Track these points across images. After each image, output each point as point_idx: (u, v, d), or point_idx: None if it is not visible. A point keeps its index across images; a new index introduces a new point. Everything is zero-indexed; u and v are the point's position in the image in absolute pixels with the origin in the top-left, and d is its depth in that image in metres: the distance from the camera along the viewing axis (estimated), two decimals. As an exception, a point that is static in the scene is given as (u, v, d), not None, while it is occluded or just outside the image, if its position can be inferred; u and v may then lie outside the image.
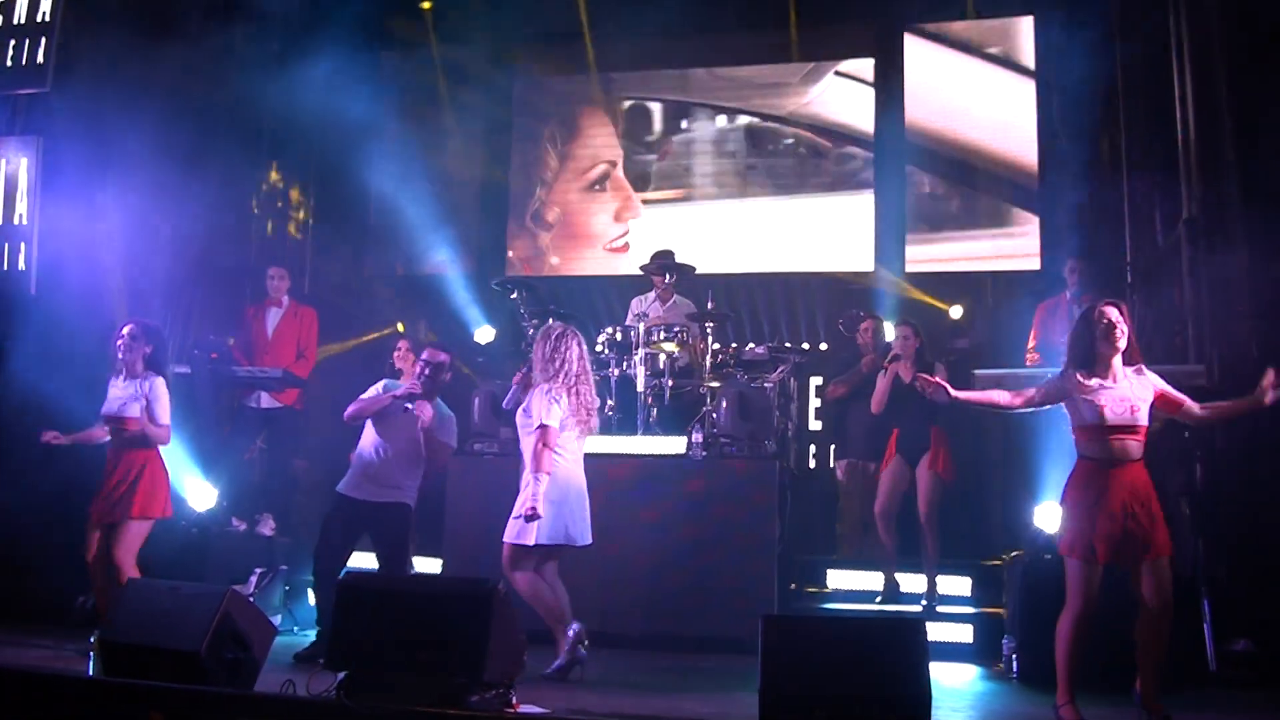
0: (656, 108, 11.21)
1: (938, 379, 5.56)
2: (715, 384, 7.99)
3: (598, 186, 11.21)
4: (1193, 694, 6.30)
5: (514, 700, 5.02)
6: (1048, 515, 6.79)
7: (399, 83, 11.31)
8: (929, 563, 7.69)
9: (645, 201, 11.06)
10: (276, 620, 7.68)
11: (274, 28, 9.92)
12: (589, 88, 11.33)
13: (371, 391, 6.91)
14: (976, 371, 7.63)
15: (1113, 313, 5.31)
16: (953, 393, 5.46)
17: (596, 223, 11.18)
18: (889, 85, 10.58)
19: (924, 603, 7.63)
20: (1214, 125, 8.00)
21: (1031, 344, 8.16)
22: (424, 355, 7.00)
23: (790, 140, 10.81)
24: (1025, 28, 10.39)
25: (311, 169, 10.92)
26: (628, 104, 11.30)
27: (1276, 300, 7.54)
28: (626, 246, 10.90)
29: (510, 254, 11.24)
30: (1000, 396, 5.54)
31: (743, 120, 10.98)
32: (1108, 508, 5.20)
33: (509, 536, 6.16)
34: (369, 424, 6.90)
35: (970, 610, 7.59)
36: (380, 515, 6.80)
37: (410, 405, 6.82)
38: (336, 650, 4.98)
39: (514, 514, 6.15)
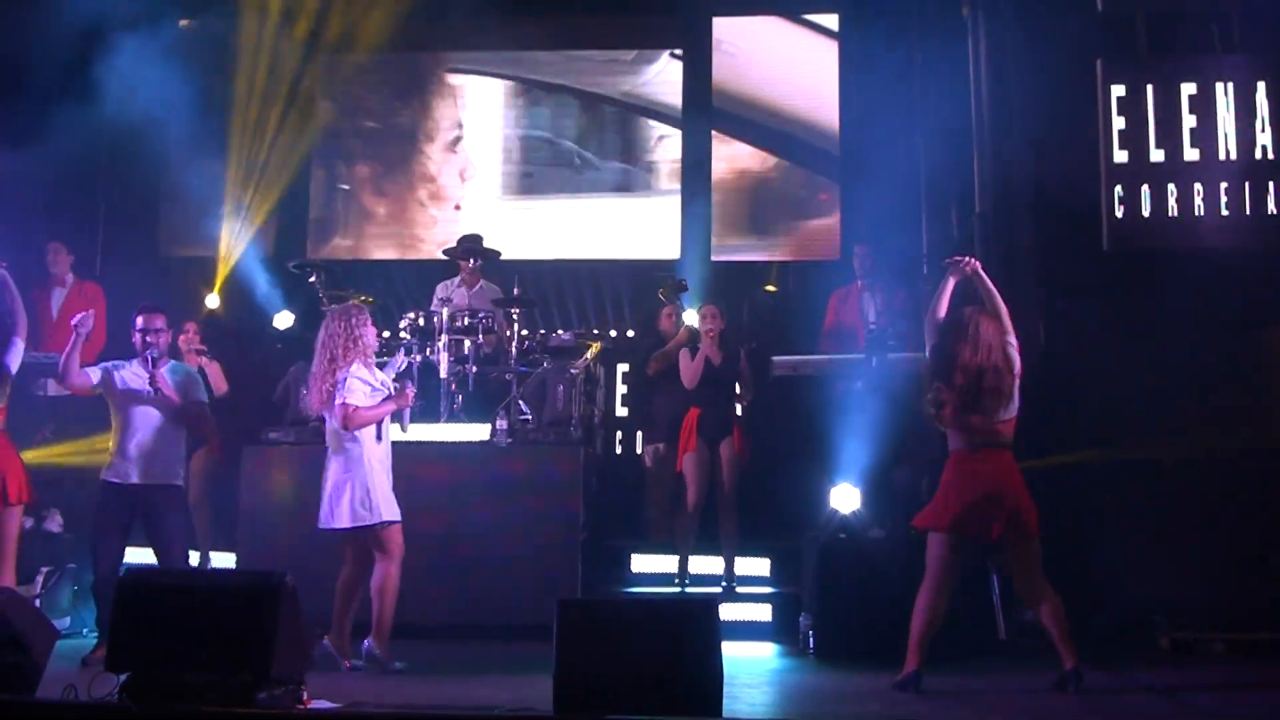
0: (491, 90, 10.98)
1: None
2: (521, 370, 7.95)
3: (433, 166, 10.96)
4: (985, 661, 6.64)
5: (305, 696, 4.92)
6: (843, 496, 7.00)
7: (200, 56, 10.87)
8: (728, 544, 7.81)
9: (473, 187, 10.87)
10: (65, 622, 7.44)
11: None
12: (423, 65, 11.09)
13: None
14: (774, 358, 7.80)
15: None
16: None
17: (428, 204, 10.91)
18: (696, 79, 10.62)
19: (725, 584, 7.74)
20: (1007, 129, 8.35)
21: (825, 328, 8.37)
22: (138, 322, 6.75)
23: (610, 132, 10.76)
24: (830, 24, 10.56)
25: (103, 144, 10.40)
26: (462, 82, 11.04)
27: (1061, 288, 7.91)
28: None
29: (341, 232, 10.94)
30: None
31: (568, 107, 10.85)
32: None
33: (394, 513, 6.16)
34: (121, 407, 6.67)
35: (769, 590, 7.76)
36: (152, 500, 6.59)
37: (150, 389, 6.63)
38: (118, 651, 4.80)
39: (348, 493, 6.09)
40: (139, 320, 6.74)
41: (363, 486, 6.10)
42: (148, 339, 6.64)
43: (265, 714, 4.57)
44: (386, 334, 8.61)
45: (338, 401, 6.08)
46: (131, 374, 6.71)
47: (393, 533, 6.17)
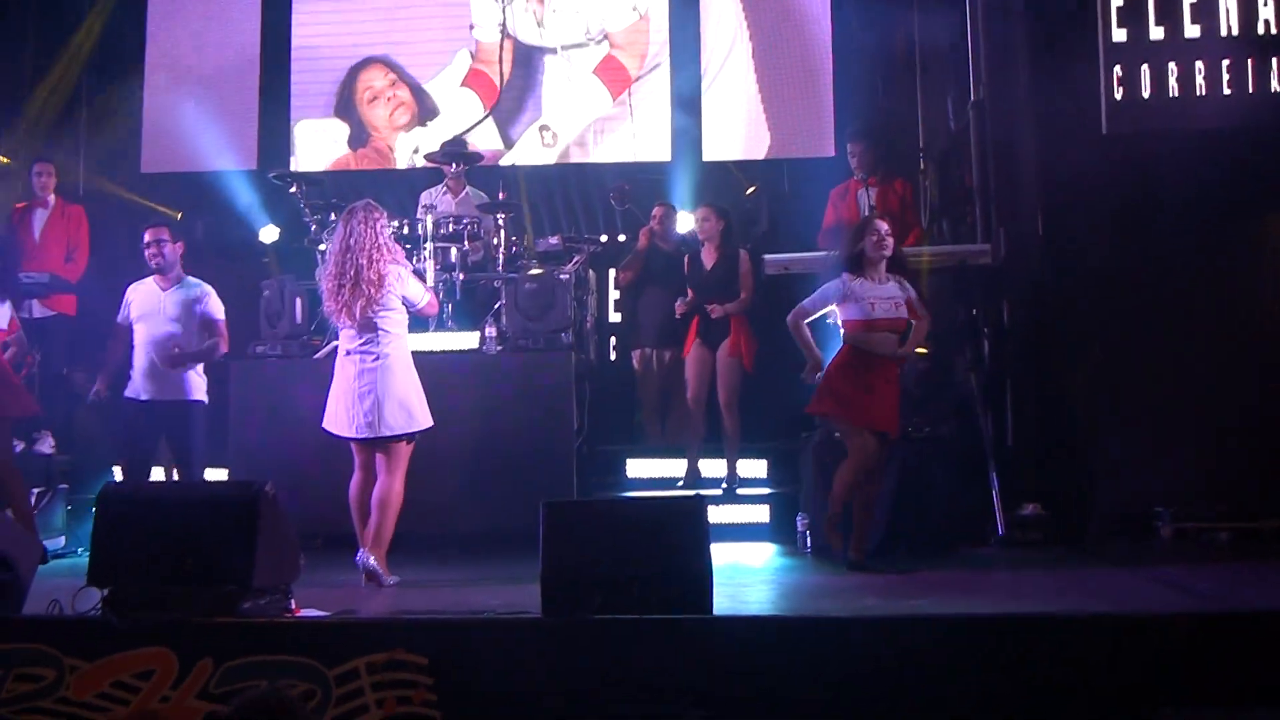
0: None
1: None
2: (509, 277, 7.82)
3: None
4: (983, 554, 6.71)
5: (293, 604, 4.88)
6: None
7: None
8: (730, 447, 7.74)
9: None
10: (59, 542, 7.44)
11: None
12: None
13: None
14: (766, 256, 7.66)
15: (883, 227, 6.25)
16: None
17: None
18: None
19: (724, 486, 7.68)
20: (1004, 12, 8.09)
21: (825, 227, 8.20)
22: (146, 235, 6.97)
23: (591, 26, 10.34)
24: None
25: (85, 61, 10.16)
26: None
27: (1060, 181, 7.73)
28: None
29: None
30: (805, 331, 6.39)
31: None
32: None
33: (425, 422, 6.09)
34: (136, 326, 6.90)
35: (767, 491, 7.73)
36: (166, 415, 6.78)
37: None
38: (99, 565, 4.77)
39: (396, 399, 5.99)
40: (147, 233, 6.97)
41: (419, 389, 6.11)
42: (149, 253, 6.88)
43: (250, 623, 4.54)
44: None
45: (423, 300, 6.26)
46: (145, 291, 6.95)
47: (413, 444, 6.14)
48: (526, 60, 10.20)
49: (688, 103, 9.87)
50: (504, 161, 8.32)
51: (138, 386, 6.84)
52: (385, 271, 6.00)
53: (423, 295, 6.30)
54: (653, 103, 10.07)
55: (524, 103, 10.17)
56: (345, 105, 10.32)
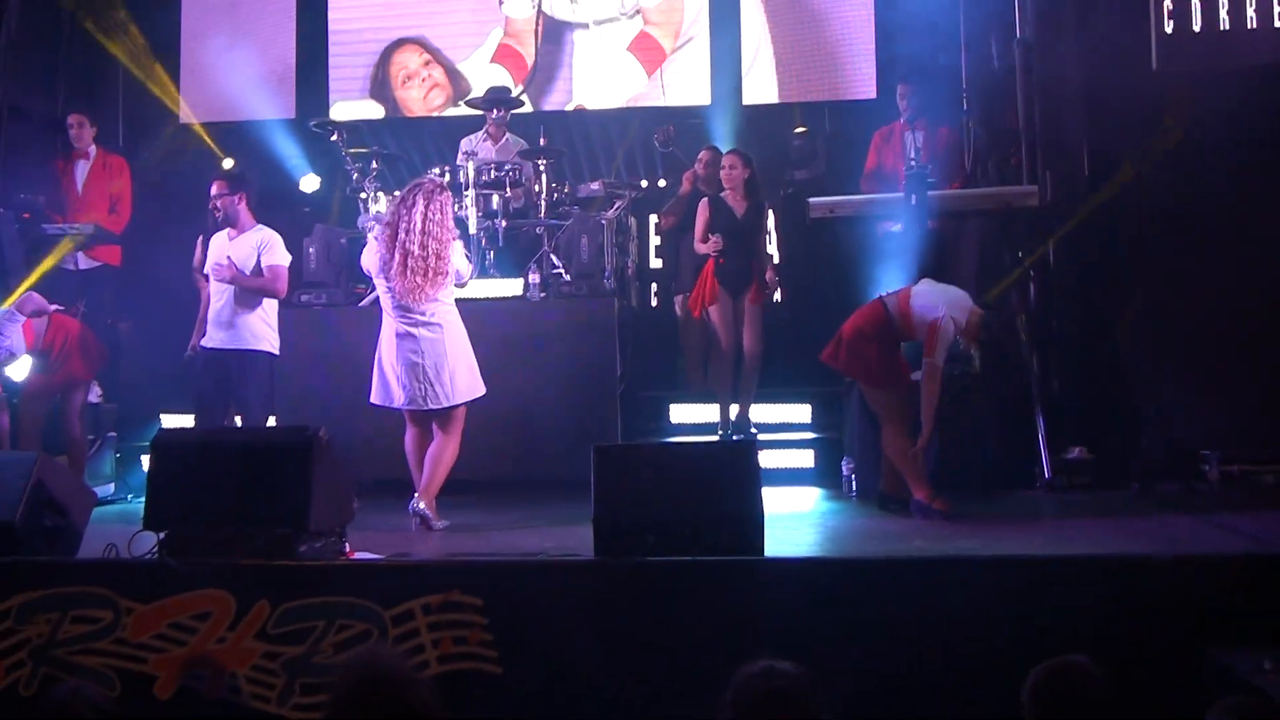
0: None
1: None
2: (551, 223, 7.81)
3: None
4: (1030, 497, 6.74)
5: (347, 548, 4.93)
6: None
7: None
8: (745, 391, 7.69)
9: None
10: (109, 489, 7.52)
11: None
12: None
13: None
14: (811, 200, 7.59)
15: None
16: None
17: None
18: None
19: (753, 430, 7.66)
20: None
21: (867, 170, 8.12)
22: (212, 190, 7.14)
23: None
24: None
25: (119, 10, 10.12)
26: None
27: (1108, 120, 7.61)
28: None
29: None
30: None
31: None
32: None
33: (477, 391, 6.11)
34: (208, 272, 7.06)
35: (811, 436, 7.71)
36: (232, 364, 6.90)
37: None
38: (154, 509, 4.83)
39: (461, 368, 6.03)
40: (213, 187, 7.16)
41: (472, 354, 6.13)
42: (211, 206, 7.12)
43: (306, 565, 4.59)
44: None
45: (468, 274, 6.33)
46: (216, 242, 7.11)
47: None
48: (558, 36, 10.01)
49: (727, 61, 9.73)
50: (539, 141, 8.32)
51: (210, 335, 7.02)
52: (450, 254, 6.02)
53: (467, 268, 6.38)
54: (687, 79, 9.88)
55: (556, 80, 10.02)
56: (380, 87, 10.18)
